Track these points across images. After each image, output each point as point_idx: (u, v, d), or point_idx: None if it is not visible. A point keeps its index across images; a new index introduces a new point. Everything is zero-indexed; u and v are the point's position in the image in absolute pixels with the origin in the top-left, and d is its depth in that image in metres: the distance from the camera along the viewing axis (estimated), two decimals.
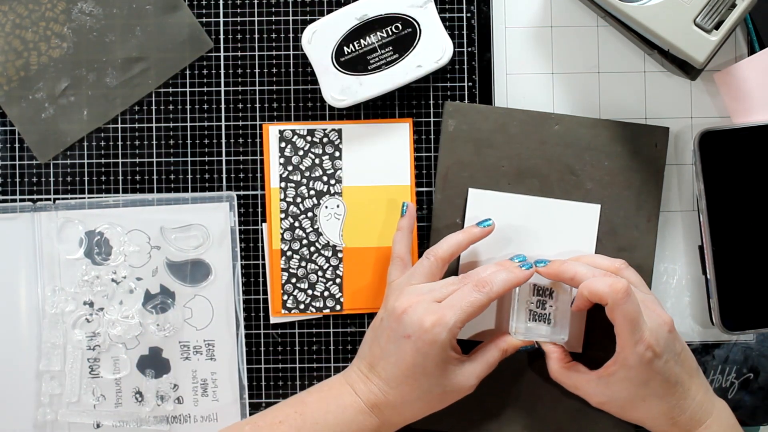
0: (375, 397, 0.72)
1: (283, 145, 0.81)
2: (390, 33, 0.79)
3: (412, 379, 0.71)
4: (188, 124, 0.82)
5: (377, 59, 0.79)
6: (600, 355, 0.75)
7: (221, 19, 0.82)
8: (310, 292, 0.81)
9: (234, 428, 0.73)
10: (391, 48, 0.79)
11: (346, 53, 0.79)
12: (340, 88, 0.79)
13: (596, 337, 0.79)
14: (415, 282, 0.74)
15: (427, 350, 0.70)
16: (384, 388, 0.72)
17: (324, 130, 0.82)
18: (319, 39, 0.79)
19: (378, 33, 0.79)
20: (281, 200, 0.81)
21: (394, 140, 0.82)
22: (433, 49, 0.79)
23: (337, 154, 0.81)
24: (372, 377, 0.72)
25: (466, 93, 0.82)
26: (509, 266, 0.74)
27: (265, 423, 0.72)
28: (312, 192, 0.81)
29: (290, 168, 0.81)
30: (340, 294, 0.81)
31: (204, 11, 0.82)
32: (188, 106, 0.82)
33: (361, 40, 0.79)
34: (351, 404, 0.72)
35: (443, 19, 0.81)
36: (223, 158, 0.82)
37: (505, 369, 0.77)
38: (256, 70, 0.82)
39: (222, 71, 0.82)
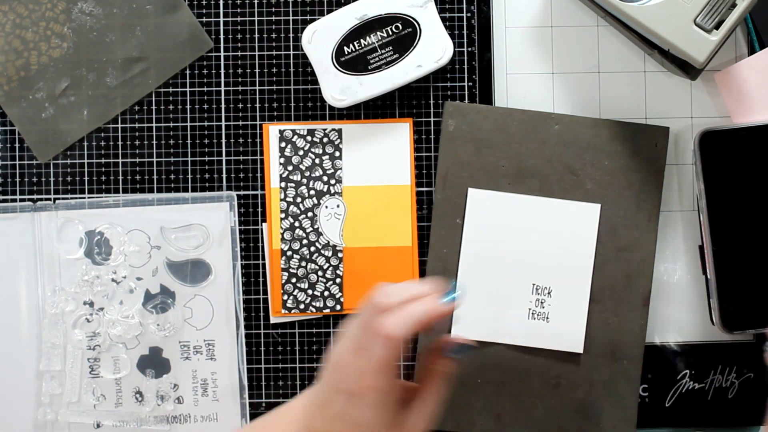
0: None
1: (283, 145, 0.81)
2: (390, 33, 0.79)
3: None
4: (188, 124, 0.82)
5: (377, 59, 0.79)
6: (600, 355, 0.75)
7: (221, 19, 0.82)
8: (310, 292, 0.81)
9: None
10: (391, 48, 0.79)
11: (346, 53, 0.79)
12: (340, 88, 0.79)
13: (597, 337, 0.79)
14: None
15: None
16: None
17: (324, 130, 0.82)
18: (319, 39, 0.79)
19: (378, 33, 0.79)
20: (281, 200, 0.81)
21: (394, 140, 0.82)
22: (433, 49, 0.79)
23: (337, 154, 0.81)
24: None
25: (466, 93, 0.82)
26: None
27: None
28: (312, 192, 0.81)
29: (290, 168, 0.81)
30: (340, 294, 0.81)
31: (204, 11, 0.82)
32: (188, 106, 0.82)
33: (361, 40, 0.79)
34: None
35: (443, 19, 0.81)
36: (223, 158, 0.82)
37: (504, 369, 0.77)
38: (256, 70, 0.82)
39: (222, 71, 0.82)
